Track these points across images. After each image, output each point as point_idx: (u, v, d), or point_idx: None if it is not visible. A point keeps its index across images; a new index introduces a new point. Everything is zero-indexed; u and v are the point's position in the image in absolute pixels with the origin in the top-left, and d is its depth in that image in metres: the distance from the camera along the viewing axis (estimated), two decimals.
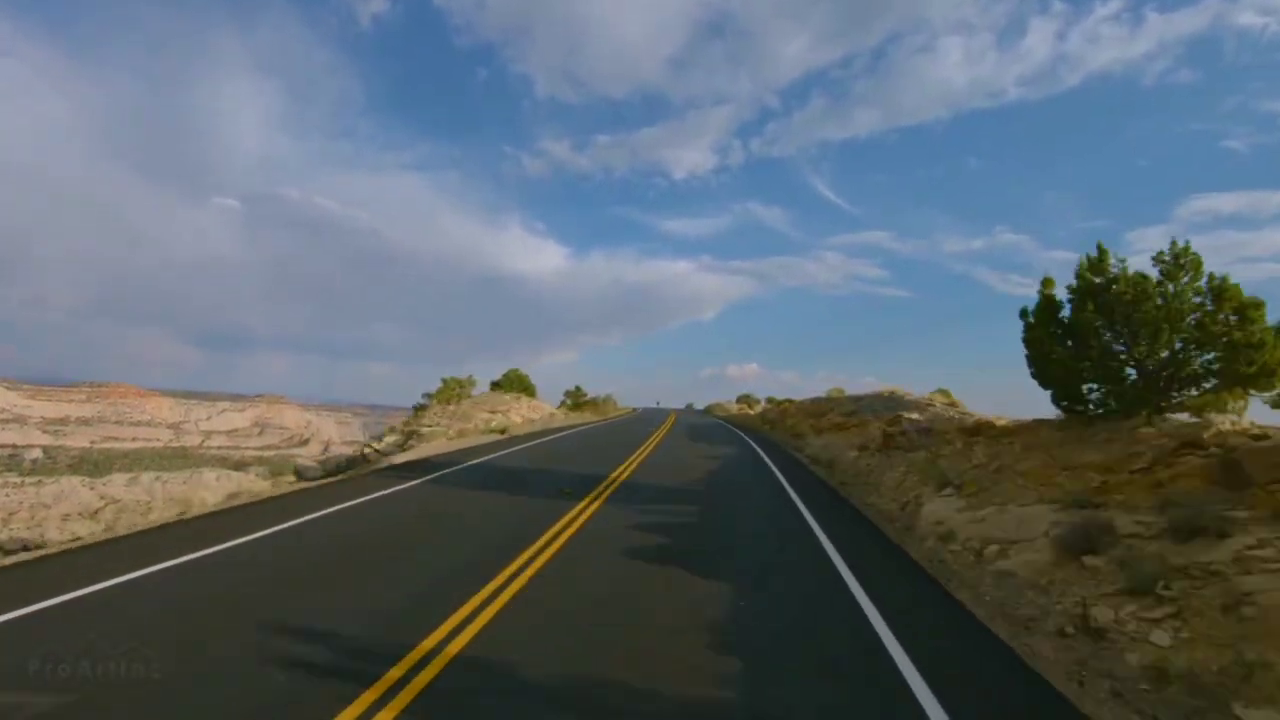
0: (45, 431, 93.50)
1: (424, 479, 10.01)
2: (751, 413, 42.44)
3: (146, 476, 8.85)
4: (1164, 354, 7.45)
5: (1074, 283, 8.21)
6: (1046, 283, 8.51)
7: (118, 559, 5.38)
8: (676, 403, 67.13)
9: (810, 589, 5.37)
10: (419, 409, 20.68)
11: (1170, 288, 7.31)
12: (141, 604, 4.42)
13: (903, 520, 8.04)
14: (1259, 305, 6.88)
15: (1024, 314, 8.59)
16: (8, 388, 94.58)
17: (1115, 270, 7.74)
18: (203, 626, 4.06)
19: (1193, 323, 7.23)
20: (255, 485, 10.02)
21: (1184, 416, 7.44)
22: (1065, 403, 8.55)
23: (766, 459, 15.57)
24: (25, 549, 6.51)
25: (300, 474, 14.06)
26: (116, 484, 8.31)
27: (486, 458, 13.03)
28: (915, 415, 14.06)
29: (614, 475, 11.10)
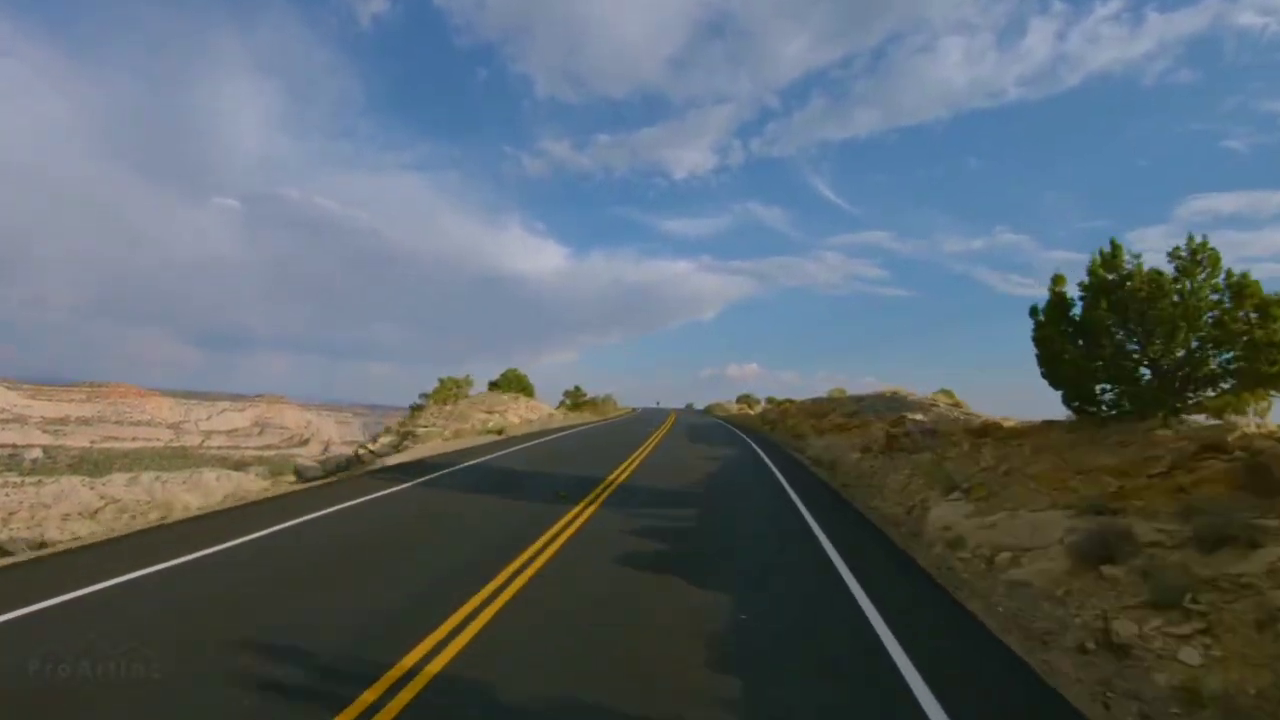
0: (45, 431, 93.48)
1: (416, 481, 9.76)
2: (752, 413, 42.18)
3: (146, 476, 8.78)
4: (1180, 353, 7.19)
5: (1086, 280, 7.94)
6: (1057, 280, 8.24)
7: (118, 559, 5.17)
8: (676, 403, 66.95)
9: (812, 595, 5.12)
10: (415, 409, 20.45)
11: (1187, 284, 7.04)
12: (142, 604, 4.42)
13: (909, 525, 7.77)
14: None
15: (1034, 312, 8.32)
16: (8, 387, 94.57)
17: (1129, 266, 7.47)
18: (200, 628, 4.01)
19: (1211, 321, 6.96)
20: (248, 485, 9.83)
21: (1201, 418, 7.17)
22: (1076, 403, 8.28)
23: (767, 460, 15.31)
24: (8, 552, 6.48)
25: (300, 474, 13.86)
26: (116, 484, 8.23)
27: (482, 459, 12.78)
28: (919, 416, 13.79)
29: (611, 478, 10.85)
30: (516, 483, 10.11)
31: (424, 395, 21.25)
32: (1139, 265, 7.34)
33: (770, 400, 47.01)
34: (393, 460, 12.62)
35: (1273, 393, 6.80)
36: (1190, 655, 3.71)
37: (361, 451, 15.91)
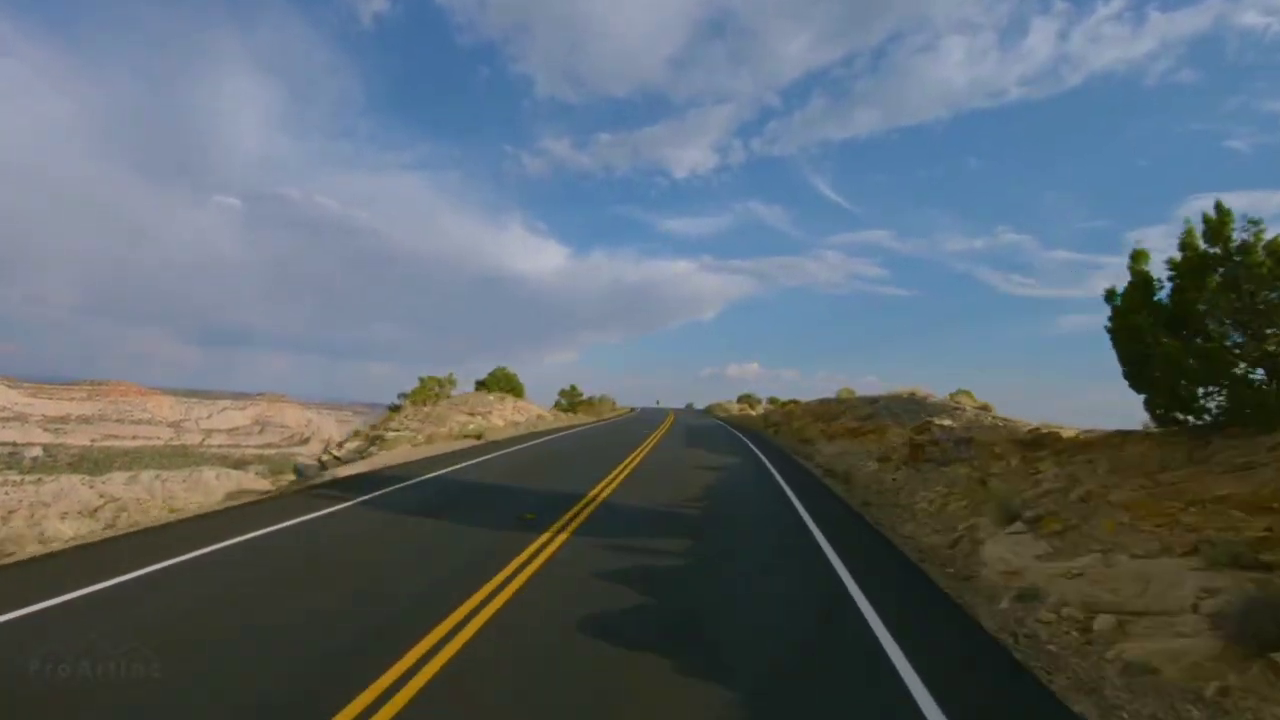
0: (46, 429, 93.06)
1: (357, 500, 8.22)
2: (753, 413, 40.53)
3: (146, 475, 8.63)
4: None
5: (1177, 256, 6.32)
6: (1138, 256, 6.62)
7: None
8: (676, 402, 65.46)
9: (851, 681, 3.54)
10: (393, 409, 18.96)
11: None
12: None
13: (956, 564, 6.17)
14: None
15: (1111, 296, 6.70)
16: (9, 386, 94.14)
17: (1241, 236, 5.84)
18: None
19: None
20: (248, 484, 8.64)
21: None
22: (1161, 410, 6.66)
23: (772, 470, 13.71)
24: None
25: (300, 472, 12.56)
26: (116, 482, 8.20)
27: (447, 469, 11.24)
28: (947, 421, 12.17)
29: (593, 493, 9.28)
30: (477, 501, 8.56)
31: (403, 395, 19.75)
32: (1258, 234, 5.70)
33: (773, 400, 45.38)
34: (347, 470, 11.10)
35: None
36: None
37: (326, 457, 14.43)
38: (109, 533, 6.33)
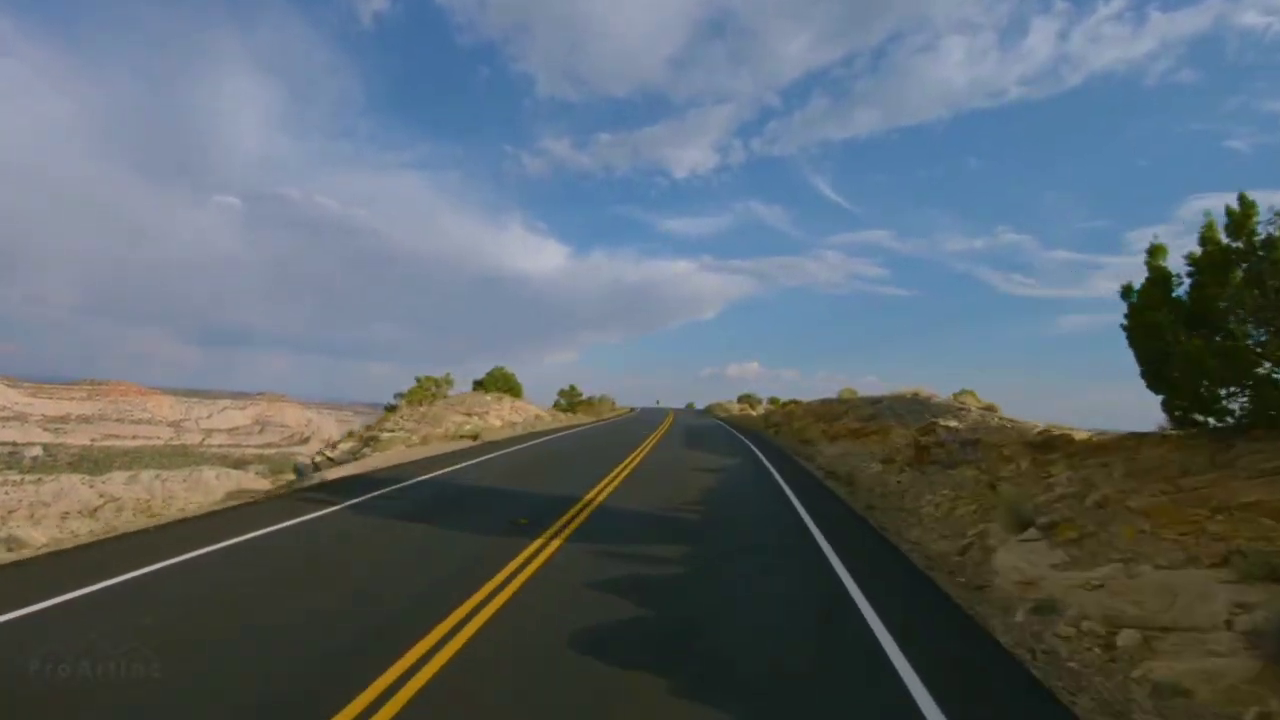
0: (46, 429, 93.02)
1: (344, 504, 7.96)
2: (753, 413, 40.26)
3: (146, 475, 8.58)
4: None
5: (1196, 250, 6.05)
6: (1156, 251, 6.35)
7: None
8: (677, 402, 65.24)
9: (862, 711, 3.28)
10: (389, 410, 18.70)
11: None
12: None
13: (967, 572, 5.90)
14: None
15: (1127, 292, 6.42)
16: (9, 385, 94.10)
17: (1266, 230, 5.56)
18: None
19: None
20: (248, 484, 8.39)
21: None
22: (1180, 411, 6.39)
23: (773, 471, 13.44)
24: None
25: (300, 472, 12.36)
26: (116, 482, 8.12)
27: (441, 471, 10.98)
28: (953, 423, 11.90)
29: (589, 496, 9.03)
30: (469, 505, 8.30)
31: (399, 395, 19.49)
32: None
33: (773, 400, 45.13)
34: (339, 472, 10.85)
35: None
36: None
37: (319, 458, 14.19)
38: (75, 541, 6.07)
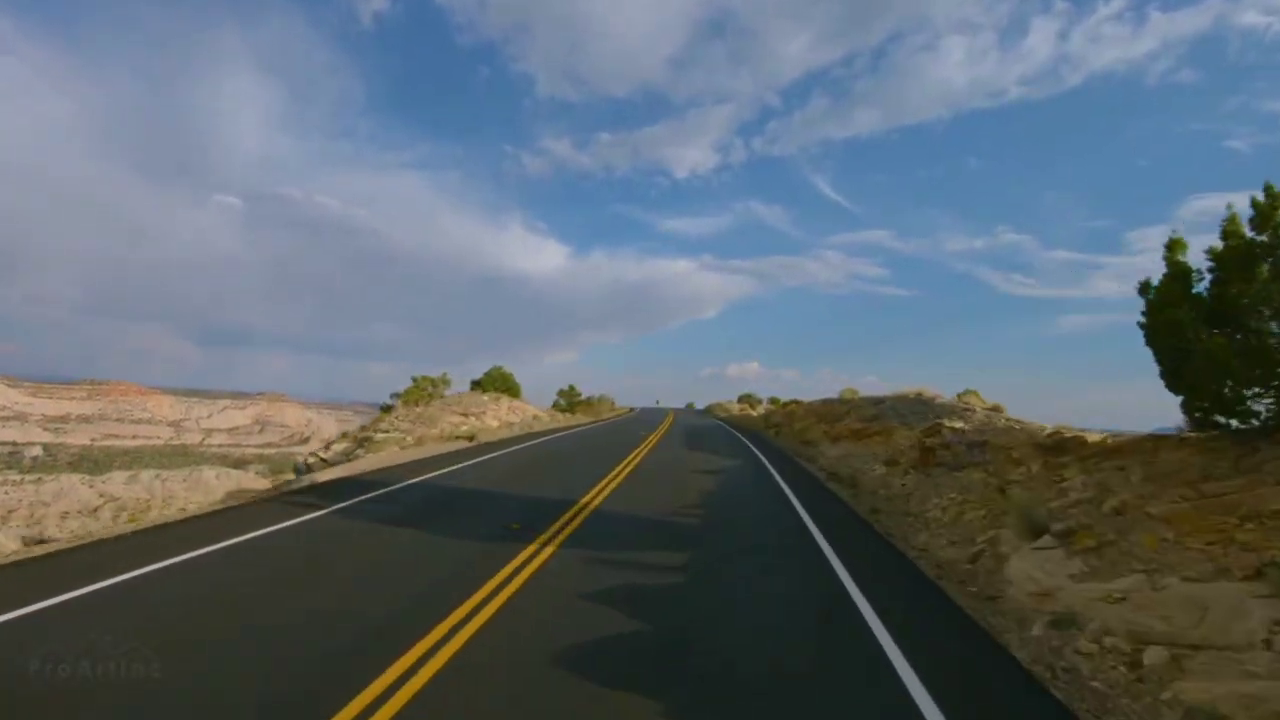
0: (46, 429, 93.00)
1: (332, 508, 7.71)
2: (754, 413, 39.96)
3: (146, 474, 8.52)
4: None
5: (1218, 244, 5.77)
6: (1175, 245, 6.07)
7: None
8: (677, 402, 65.01)
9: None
10: (385, 410, 18.45)
11: None
12: None
13: (978, 581, 5.63)
14: None
15: (1145, 289, 6.15)
16: (9, 385, 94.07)
17: None
18: None
19: None
20: (248, 484, 8.22)
21: None
22: (1200, 413, 6.11)
23: (774, 473, 13.18)
24: None
25: (300, 471, 12.16)
26: (116, 481, 8.08)
27: (434, 474, 10.73)
28: (959, 424, 11.63)
29: (585, 500, 8.77)
30: (462, 509, 8.04)
31: (395, 395, 19.23)
32: None
33: (773, 400, 44.86)
34: (330, 475, 10.59)
35: None
36: None
37: (312, 459, 13.95)
38: (35, 551, 5.80)
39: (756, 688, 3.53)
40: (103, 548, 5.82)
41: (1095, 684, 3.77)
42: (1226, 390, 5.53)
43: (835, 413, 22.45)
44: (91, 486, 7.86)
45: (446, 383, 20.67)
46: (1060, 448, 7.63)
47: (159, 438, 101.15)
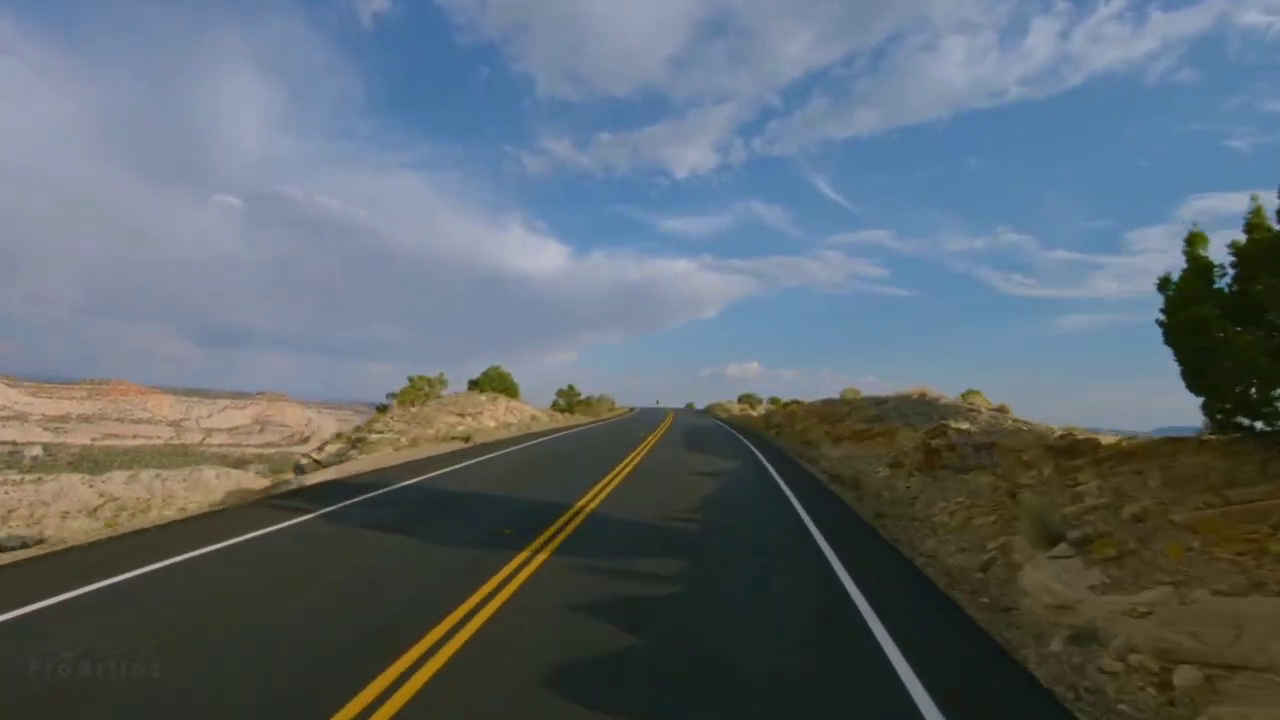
0: (46, 429, 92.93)
1: (318, 512, 7.45)
2: (754, 414, 39.68)
3: (146, 474, 8.45)
4: None
5: (1241, 238, 5.50)
6: (1196, 239, 5.81)
7: None
8: (677, 402, 64.81)
9: None
10: (380, 410, 18.21)
11: None
12: None
13: (991, 592, 5.37)
14: None
15: (1165, 284, 5.89)
16: (9, 385, 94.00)
17: None
18: None
19: None
20: (247, 483, 7.89)
21: None
22: (1222, 415, 5.85)
23: (776, 477, 12.91)
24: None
25: (301, 471, 11.96)
26: (116, 481, 8.03)
27: (427, 476, 10.48)
28: (965, 425, 11.36)
29: (581, 503, 8.51)
30: (453, 513, 7.78)
31: (391, 395, 18.99)
32: None
33: (774, 401, 44.59)
34: (321, 476, 10.34)
35: None
36: None
37: (304, 461, 13.70)
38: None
39: (762, 711, 3.27)
40: (106, 548, 5.57)
41: (1122, 706, 3.51)
42: (1253, 391, 5.26)
43: (837, 413, 22.18)
44: (91, 486, 7.81)
45: (443, 383, 20.44)
46: (1072, 450, 7.36)
47: (159, 437, 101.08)
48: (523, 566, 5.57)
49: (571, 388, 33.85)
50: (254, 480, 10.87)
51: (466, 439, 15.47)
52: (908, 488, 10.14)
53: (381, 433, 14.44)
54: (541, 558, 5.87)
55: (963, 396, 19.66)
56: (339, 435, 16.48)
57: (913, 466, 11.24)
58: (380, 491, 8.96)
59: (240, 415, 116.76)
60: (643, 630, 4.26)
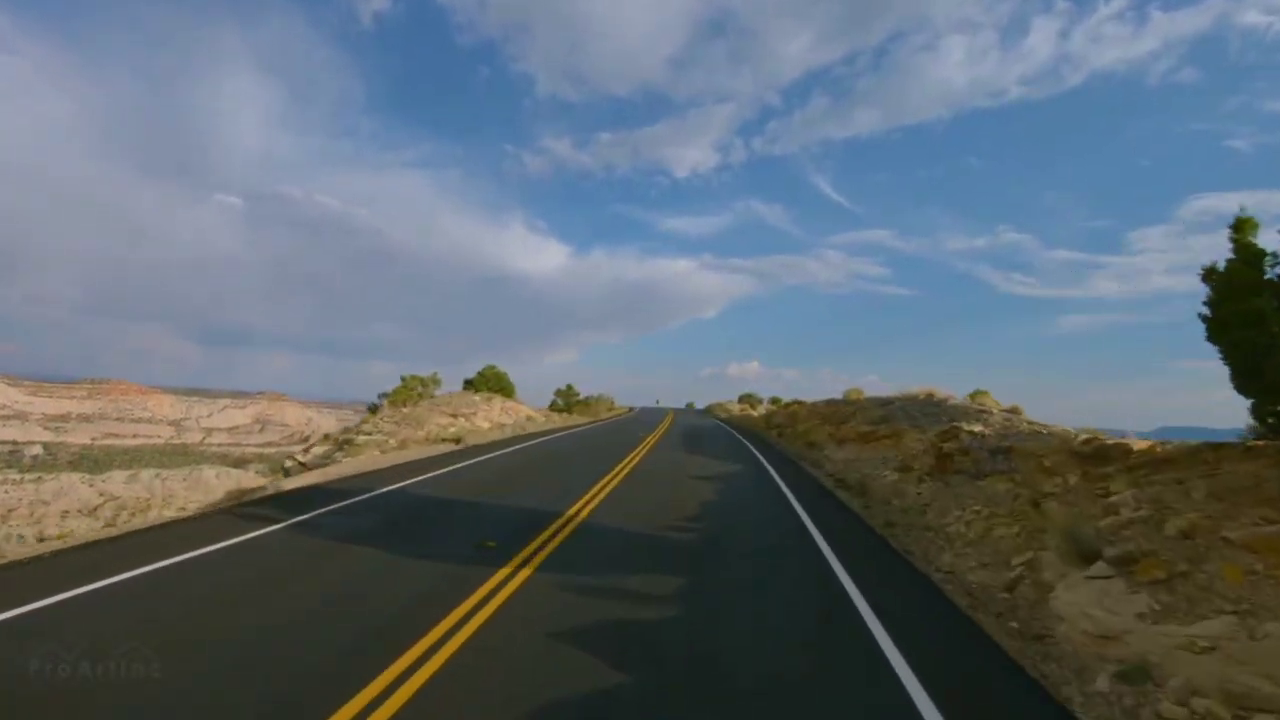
0: (46, 428, 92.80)
1: (289, 522, 6.94)
2: (754, 414, 39.10)
3: (146, 474, 8.40)
4: None
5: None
6: (1243, 225, 5.27)
7: None
8: (677, 402, 64.29)
9: None
10: (371, 411, 17.72)
11: None
12: None
13: (1019, 615, 4.84)
14: None
15: (1210, 274, 5.35)
16: (9, 384, 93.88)
17: None
18: None
19: None
20: (247, 482, 7.69)
21: None
22: (1273, 418, 5.31)
23: (779, 481, 12.40)
24: None
25: (287, 473, 11.53)
26: (116, 481, 7.96)
27: (411, 480, 9.97)
28: (978, 427, 10.82)
29: (572, 511, 8.00)
30: (433, 521, 7.27)
31: (383, 395, 18.50)
32: None
33: (775, 401, 44.01)
34: (299, 481, 9.84)
35: None
36: None
37: (289, 464, 13.21)
38: None
39: None
40: (49, 564, 5.06)
41: None
42: None
43: (840, 414, 21.63)
44: (91, 485, 7.75)
45: (437, 382, 19.93)
46: (1100, 456, 6.82)
47: (159, 437, 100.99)
48: (504, 584, 5.06)
49: (570, 387, 33.34)
50: (254, 480, 10.53)
51: (457, 441, 14.97)
52: (919, 494, 9.62)
53: (370, 434, 13.93)
54: (525, 574, 5.37)
55: (971, 397, 19.10)
56: (326, 437, 15.99)
57: (923, 471, 10.71)
58: (358, 498, 8.45)
59: (240, 415, 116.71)
60: (632, 662, 3.74)
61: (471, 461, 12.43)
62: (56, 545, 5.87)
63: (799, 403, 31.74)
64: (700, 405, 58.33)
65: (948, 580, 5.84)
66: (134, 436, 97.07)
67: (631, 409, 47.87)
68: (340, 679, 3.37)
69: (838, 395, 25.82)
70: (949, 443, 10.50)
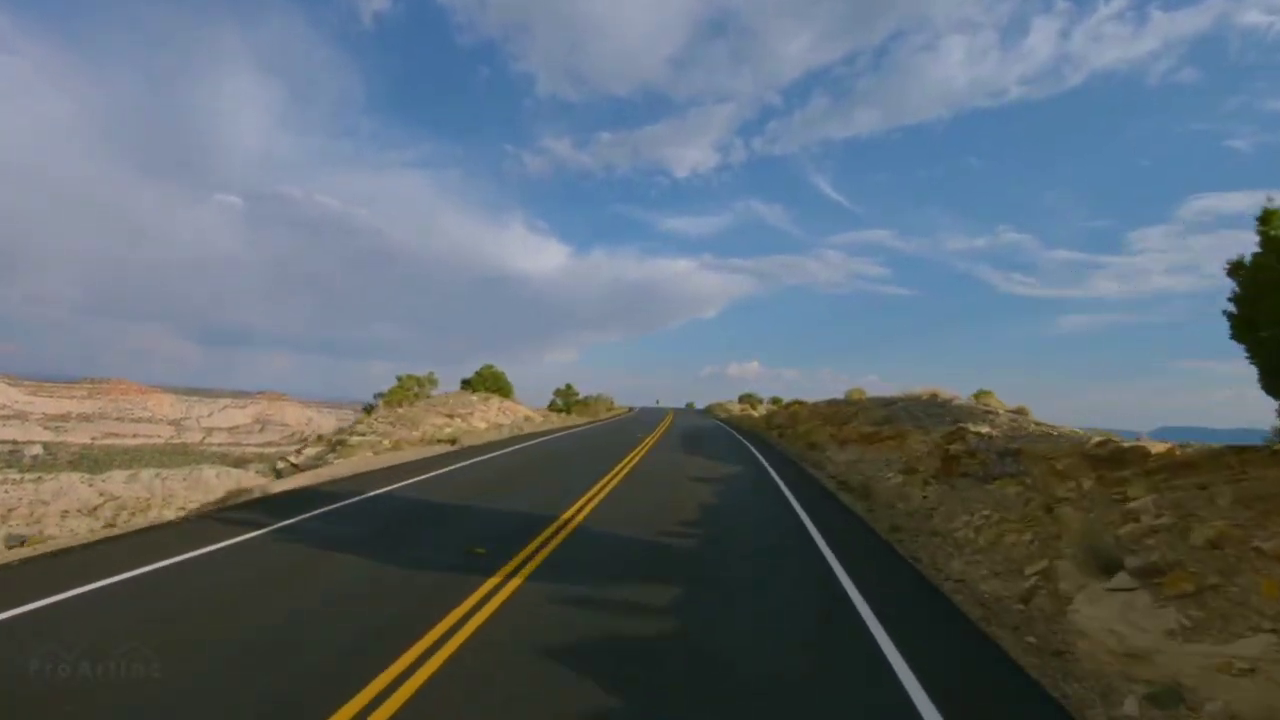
0: (46, 428, 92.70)
1: (270, 528, 6.68)
2: (755, 414, 38.83)
3: (146, 473, 8.37)
4: None
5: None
6: (1271, 216, 5.00)
7: None
8: (676, 402, 64.04)
9: None
10: (367, 410, 17.47)
11: None
12: None
13: (1036, 629, 4.58)
14: None
15: (1237, 268, 5.08)
16: (9, 384, 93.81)
17: None
18: None
19: None
20: (247, 482, 7.51)
21: None
22: None
23: (781, 484, 12.13)
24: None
25: (279, 475, 11.34)
26: (116, 480, 7.93)
27: (402, 483, 9.71)
28: (985, 429, 10.56)
29: (567, 515, 7.74)
30: (422, 526, 7.01)
31: (378, 395, 18.25)
32: None
33: (775, 401, 43.75)
34: (287, 484, 9.58)
35: None
36: None
37: (281, 465, 12.96)
38: None
39: None
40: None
41: None
42: None
43: (842, 414, 21.36)
44: (91, 485, 7.72)
45: (433, 382, 19.68)
46: (1116, 459, 6.55)
47: (159, 436, 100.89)
48: (492, 595, 4.80)
49: (569, 387, 33.08)
50: (254, 479, 10.37)
51: (453, 442, 14.71)
52: (925, 497, 9.35)
53: (364, 435, 13.68)
54: (515, 584, 5.11)
55: (975, 397, 18.84)
56: (320, 438, 15.74)
57: (929, 474, 10.45)
58: (348, 502, 8.19)
59: (241, 414, 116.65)
60: (626, 685, 3.49)
61: (466, 463, 12.17)
62: (26, 553, 5.61)
63: (800, 403, 31.47)
64: (700, 405, 58.10)
65: (958, 590, 5.58)
66: (134, 436, 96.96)
67: (631, 409, 47.64)
68: (336, 683, 3.12)
69: (838, 395, 25.57)
70: (955, 444, 10.23)
